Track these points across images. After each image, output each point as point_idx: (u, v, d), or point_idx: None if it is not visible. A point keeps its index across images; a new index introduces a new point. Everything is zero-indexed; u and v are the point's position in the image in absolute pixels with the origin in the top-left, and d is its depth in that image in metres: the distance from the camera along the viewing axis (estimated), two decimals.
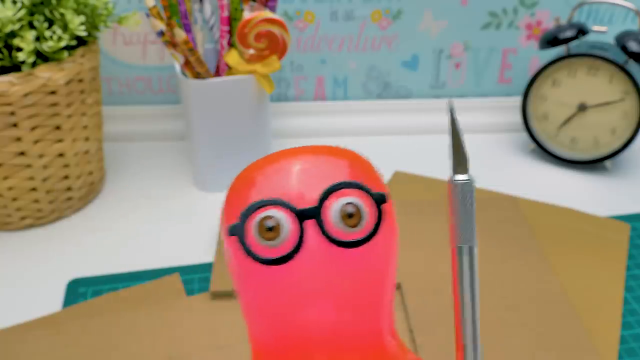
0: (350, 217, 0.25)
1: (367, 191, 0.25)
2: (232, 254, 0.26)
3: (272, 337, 0.26)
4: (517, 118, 0.70)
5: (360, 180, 0.26)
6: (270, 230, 0.24)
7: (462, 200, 0.25)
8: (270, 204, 0.25)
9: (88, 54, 0.53)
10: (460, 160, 0.26)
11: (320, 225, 0.25)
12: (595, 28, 0.62)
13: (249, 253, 0.25)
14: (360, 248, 0.25)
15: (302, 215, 0.25)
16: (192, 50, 0.55)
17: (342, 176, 0.26)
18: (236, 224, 0.25)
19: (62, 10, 0.50)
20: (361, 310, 0.26)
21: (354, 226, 0.25)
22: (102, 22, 0.55)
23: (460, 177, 0.26)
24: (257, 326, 0.27)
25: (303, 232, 0.25)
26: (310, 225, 0.25)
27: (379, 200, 0.25)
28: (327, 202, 0.25)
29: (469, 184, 0.26)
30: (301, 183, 0.25)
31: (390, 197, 0.26)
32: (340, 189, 0.25)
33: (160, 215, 0.58)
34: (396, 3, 0.68)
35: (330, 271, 0.25)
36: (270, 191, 0.25)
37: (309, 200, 0.25)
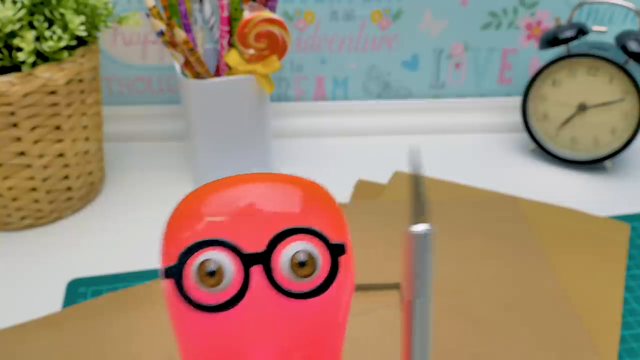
0: (302, 266, 0.22)
1: (325, 240, 0.23)
2: (168, 297, 0.23)
3: None
4: (517, 118, 0.70)
5: (319, 225, 0.23)
6: (211, 275, 0.22)
7: (419, 251, 0.22)
8: (213, 245, 0.22)
9: (88, 54, 0.53)
10: (419, 210, 0.23)
11: (268, 272, 0.22)
12: (595, 28, 0.62)
13: (186, 298, 0.23)
14: (310, 300, 0.23)
15: (248, 260, 0.22)
16: (192, 50, 0.55)
17: (299, 218, 0.23)
18: (173, 266, 0.23)
19: (62, 10, 0.50)
20: (307, 356, 0.24)
21: (306, 276, 0.22)
22: (102, 22, 0.55)
23: (419, 227, 0.23)
24: None
25: (248, 278, 0.22)
26: (256, 270, 0.22)
27: (337, 251, 0.23)
28: (278, 247, 0.22)
29: (427, 235, 0.23)
30: (250, 222, 0.23)
31: (349, 249, 0.24)
32: (295, 233, 0.23)
33: (161, 215, 0.57)
34: (396, 3, 0.68)
35: (274, 322, 0.23)
36: (213, 229, 0.23)
37: (258, 242, 0.22)
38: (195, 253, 0.22)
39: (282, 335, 0.23)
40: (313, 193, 0.24)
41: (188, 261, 0.22)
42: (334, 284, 0.23)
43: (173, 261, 0.23)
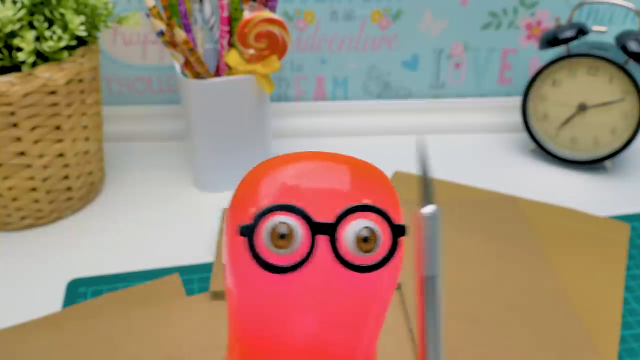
0: (365, 241, 0.24)
1: (389, 220, 0.24)
2: (235, 254, 0.25)
3: (259, 340, 0.25)
4: (517, 118, 0.70)
5: (384, 206, 0.25)
6: (282, 238, 0.23)
7: (429, 231, 0.25)
8: (287, 210, 0.24)
9: (88, 54, 0.53)
10: (428, 193, 0.25)
11: (333, 243, 0.24)
12: (595, 28, 0.62)
13: (256, 257, 0.24)
14: (366, 274, 0.24)
15: (317, 229, 0.24)
16: (192, 50, 0.55)
17: (367, 197, 0.25)
18: (248, 225, 0.24)
19: (62, 10, 0.50)
20: (346, 332, 0.25)
21: (367, 251, 0.24)
22: (102, 22, 0.55)
23: (429, 208, 0.24)
24: (242, 327, 0.26)
25: (314, 246, 0.24)
26: (322, 240, 0.24)
27: (398, 232, 0.25)
28: (345, 221, 0.24)
29: (436, 215, 0.25)
30: (322, 194, 0.24)
31: (407, 232, 0.25)
32: (362, 210, 0.24)
33: (160, 215, 0.58)
34: (396, 3, 0.68)
35: (329, 289, 0.24)
36: (288, 195, 0.24)
37: (327, 214, 0.24)
38: (269, 215, 0.24)
39: (333, 303, 0.24)
40: (379, 176, 0.26)
41: (262, 222, 0.24)
42: (391, 262, 0.25)
43: (247, 220, 0.24)
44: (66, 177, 0.55)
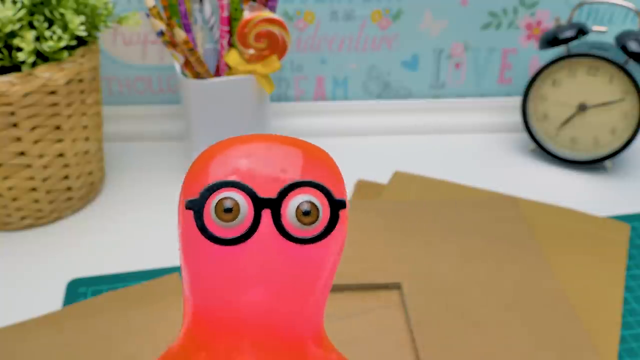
0: (306, 215, 0.25)
1: (328, 194, 0.26)
2: (185, 228, 0.26)
3: (208, 313, 0.27)
4: (517, 118, 0.70)
5: (325, 182, 0.26)
6: (227, 212, 0.25)
7: None
8: (232, 186, 0.25)
9: (88, 54, 0.53)
10: None
11: (276, 217, 0.25)
12: (595, 28, 0.62)
13: (202, 230, 0.25)
14: (308, 246, 0.26)
15: (260, 203, 0.25)
16: (192, 50, 0.55)
17: (309, 174, 0.26)
18: (195, 199, 0.26)
19: (62, 10, 0.50)
20: (293, 302, 0.27)
21: (308, 224, 0.25)
22: (102, 22, 0.55)
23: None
24: (196, 300, 0.27)
25: (259, 219, 0.25)
26: (266, 214, 0.25)
27: (338, 205, 0.26)
28: (287, 196, 0.25)
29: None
30: (267, 170, 0.26)
31: (347, 207, 0.27)
32: (303, 186, 0.26)
33: (160, 215, 0.58)
34: (396, 3, 0.68)
35: (275, 261, 0.26)
36: (234, 172, 0.26)
37: (271, 189, 0.26)
38: (216, 191, 0.25)
39: (279, 274, 0.26)
40: (319, 154, 0.27)
41: (209, 197, 0.26)
42: (331, 235, 0.26)
43: (195, 195, 0.26)
44: (66, 177, 0.55)
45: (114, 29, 0.67)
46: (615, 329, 0.44)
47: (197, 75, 0.57)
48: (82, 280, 0.49)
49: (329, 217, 0.26)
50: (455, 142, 0.70)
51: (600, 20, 0.69)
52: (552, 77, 0.63)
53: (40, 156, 0.52)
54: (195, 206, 0.26)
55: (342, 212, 0.26)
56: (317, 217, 0.25)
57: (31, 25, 0.51)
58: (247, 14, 0.55)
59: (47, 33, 0.49)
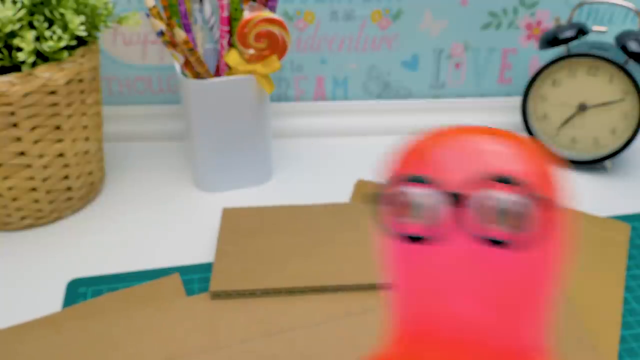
0: (512, 217, 0.23)
1: (536, 194, 0.23)
2: (381, 224, 0.24)
3: (412, 321, 0.25)
4: (517, 118, 0.70)
5: (533, 180, 0.23)
6: (421, 208, 0.23)
7: None
8: (428, 182, 0.23)
9: (88, 54, 0.53)
10: None
11: (475, 216, 0.23)
12: (595, 28, 0.62)
13: (395, 227, 0.24)
14: (515, 252, 0.23)
15: (458, 201, 0.23)
16: (192, 50, 0.55)
17: (517, 170, 0.23)
18: (388, 194, 0.24)
19: (62, 10, 0.50)
20: (507, 315, 0.24)
21: (513, 227, 0.23)
22: (102, 22, 0.55)
23: None
24: (400, 307, 0.26)
25: (457, 219, 0.23)
26: (467, 213, 0.23)
27: (546, 205, 0.23)
28: (490, 193, 0.23)
29: None
30: (466, 165, 0.23)
31: (561, 209, 0.24)
32: (512, 183, 0.23)
33: (160, 215, 0.58)
34: (396, 3, 0.68)
35: (476, 266, 0.23)
36: (429, 168, 0.24)
37: (471, 187, 0.23)
38: (410, 186, 0.23)
39: (484, 282, 0.23)
40: (527, 147, 0.24)
41: (398, 192, 0.24)
42: (540, 239, 0.23)
43: (388, 190, 0.24)
44: (66, 177, 0.55)
45: (114, 29, 0.67)
46: (615, 329, 0.44)
47: (197, 75, 0.57)
48: (82, 280, 0.49)
49: (539, 220, 0.23)
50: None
51: (600, 20, 0.69)
52: (552, 77, 0.63)
53: (40, 156, 0.52)
54: (387, 201, 0.24)
55: (553, 214, 0.23)
56: (526, 220, 0.23)
57: (31, 25, 0.51)
58: (247, 14, 0.55)
59: (47, 33, 0.49)
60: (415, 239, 0.24)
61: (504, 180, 0.23)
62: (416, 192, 0.23)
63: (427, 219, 0.23)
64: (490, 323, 0.24)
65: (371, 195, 0.24)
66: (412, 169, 0.24)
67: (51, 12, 0.51)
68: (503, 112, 0.72)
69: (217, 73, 0.60)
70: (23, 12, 0.48)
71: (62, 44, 0.49)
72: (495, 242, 0.23)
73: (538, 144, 0.25)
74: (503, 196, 0.23)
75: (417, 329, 0.25)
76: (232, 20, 0.59)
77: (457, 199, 0.23)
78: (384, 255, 0.25)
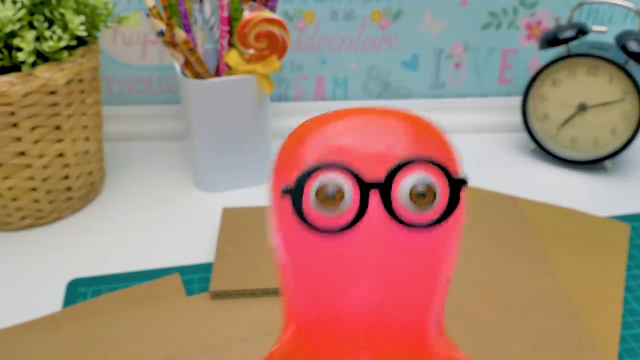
0: (421, 196, 0.22)
1: (446, 172, 0.22)
2: (281, 219, 0.23)
3: (316, 311, 0.24)
4: (517, 118, 0.70)
5: (439, 156, 0.23)
6: (330, 198, 0.22)
7: None
8: (334, 168, 0.22)
9: (88, 54, 0.53)
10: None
11: (387, 200, 0.22)
12: (595, 28, 0.62)
13: (303, 220, 0.22)
14: (424, 232, 0.22)
15: (368, 187, 0.22)
16: (192, 50, 0.55)
17: (422, 149, 0.23)
18: (292, 187, 0.22)
19: (62, 10, 0.50)
20: (411, 296, 0.23)
21: (424, 207, 0.22)
22: (102, 22, 0.55)
23: None
24: (300, 299, 0.24)
25: (366, 205, 0.22)
26: (374, 198, 0.22)
27: (457, 184, 0.22)
28: (398, 176, 0.22)
29: None
30: (372, 148, 0.23)
31: (464, 186, 0.23)
32: (417, 162, 0.22)
33: (160, 215, 0.58)
34: (396, 3, 0.68)
35: (387, 250, 0.23)
36: (334, 153, 0.23)
37: (378, 169, 0.22)
38: (316, 175, 0.22)
39: (393, 264, 0.23)
40: (433, 129, 0.24)
41: (308, 183, 0.22)
42: (451, 218, 0.23)
43: (291, 182, 0.22)
44: (66, 177, 0.55)
45: (114, 29, 0.67)
46: (615, 329, 0.44)
47: (197, 75, 0.57)
48: (82, 280, 0.49)
49: (447, 197, 0.22)
50: (455, 142, 0.70)
51: (600, 20, 0.69)
52: (552, 77, 0.63)
53: (40, 156, 0.52)
54: (293, 193, 0.22)
55: (461, 193, 0.23)
56: (434, 198, 0.22)
57: (31, 25, 0.51)
58: (247, 14, 0.55)
59: (47, 33, 0.49)
60: (332, 231, 0.22)
61: (415, 162, 0.22)
62: (329, 182, 0.22)
63: (342, 208, 0.22)
64: (396, 303, 0.23)
65: (285, 190, 0.23)
66: (324, 158, 0.23)
67: (51, 12, 0.51)
68: (503, 112, 0.72)
69: (217, 73, 0.60)
70: (23, 12, 0.48)
71: (62, 44, 0.49)
72: (412, 225, 0.22)
73: (431, 122, 0.24)
74: (415, 178, 0.22)
75: (321, 317, 0.24)
76: (232, 20, 0.59)
77: (369, 184, 0.22)
78: (285, 242, 0.24)
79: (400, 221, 0.22)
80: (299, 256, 0.23)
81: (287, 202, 0.23)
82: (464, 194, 0.23)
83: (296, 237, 0.23)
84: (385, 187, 0.22)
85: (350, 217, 0.22)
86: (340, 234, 0.22)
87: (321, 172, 0.22)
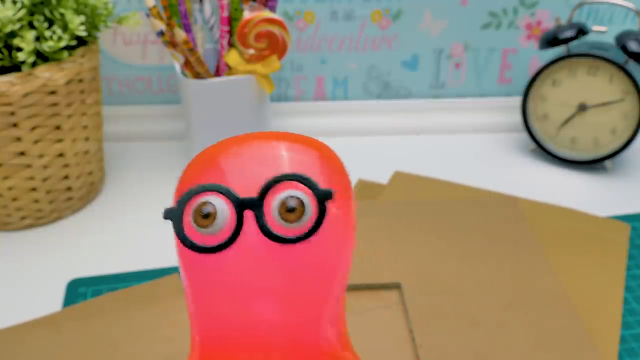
0: (291, 211, 0.23)
1: (312, 186, 0.23)
2: (175, 240, 0.25)
3: (214, 330, 0.25)
4: (517, 118, 0.70)
5: (308, 173, 0.24)
6: (205, 217, 0.23)
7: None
8: (210, 190, 0.24)
9: (88, 54, 0.53)
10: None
11: (259, 217, 0.23)
12: (595, 28, 0.62)
13: (182, 239, 0.24)
14: (298, 245, 0.23)
15: (241, 205, 0.23)
16: (192, 50, 0.55)
17: (290, 167, 0.24)
18: (172, 208, 0.25)
19: (62, 10, 0.50)
20: (300, 311, 0.24)
21: (294, 222, 0.23)
22: (102, 22, 0.55)
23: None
24: (199, 317, 0.25)
25: (241, 223, 0.23)
26: (249, 216, 0.24)
27: (323, 196, 0.23)
28: (269, 194, 0.23)
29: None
30: (245, 171, 0.24)
31: (342, 196, 0.24)
32: (285, 180, 0.23)
33: (160, 215, 0.58)
34: (396, 3, 0.68)
35: (266, 266, 0.23)
36: (213, 177, 0.24)
37: (252, 190, 0.24)
38: (194, 197, 0.24)
39: (276, 281, 0.24)
40: (307, 144, 0.25)
41: (187, 204, 0.24)
42: (322, 229, 0.23)
43: (174, 205, 0.25)
44: (66, 177, 0.55)
45: (114, 29, 0.67)
46: (615, 329, 0.44)
47: (197, 75, 0.57)
48: (82, 280, 0.49)
49: (317, 211, 0.23)
50: (455, 142, 0.70)
51: (600, 20, 0.69)
52: (552, 77, 0.63)
53: (40, 156, 0.52)
54: (172, 215, 0.24)
55: (331, 204, 0.24)
56: (303, 212, 0.23)
57: (31, 25, 0.51)
58: (247, 14, 0.55)
59: (47, 33, 0.49)
60: (208, 249, 0.24)
61: (285, 179, 0.23)
62: (204, 203, 0.23)
63: (218, 226, 0.23)
64: (286, 321, 0.24)
65: (166, 209, 0.25)
66: (200, 181, 0.24)
67: (51, 12, 0.51)
68: (503, 112, 0.72)
69: (217, 73, 0.60)
70: (23, 12, 0.48)
71: (62, 44, 0.49)
72: (283, 239, 0.23)
73: (314, 142, 0.26)
74: (284, 195, 0.23)
75: (217, 336, 0.25)
76: (232, 20, 0.59)
77: (242, 203, 0.23)
78: (181, 264, 0.25)
79: (273, 236, 0.23)
80: (190, 276, 0.25)
81: (171, 223, 0.25)
82: (332, 208, 0.24)
83: (185, 257, 0.24)
84: (257, 205, 0.23)
85: (227, 235, 0.23)
86: (220, 253, 0.24)
87: (200, 195, 0.24)
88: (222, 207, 0.23)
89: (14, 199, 0.53)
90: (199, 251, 0.24)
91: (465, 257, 0.50)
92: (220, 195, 0.24)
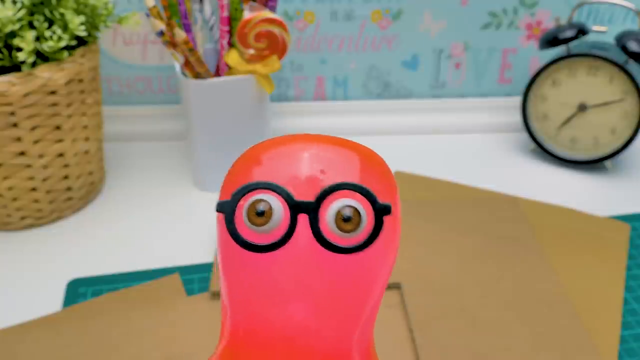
0: (347, 221, 0.23)
1: (372, 199, 0.23)
2: (219, 233, 0.24)
3: (245, 328, 0.25)
4: (517, 118, 0.70)
5: (368, 184, 0.24)
6: (260, 215, 0.23)
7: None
8: (266, 188, 0.23)
9: (88, 54, 0.53)
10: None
11: (314, 222, 0.23)
12: (595, 28, 0.62)
13: (233, 234, 0.24)
14: (349, 256, 0.23)
15: (297, 208, 0.23)
16: (192, 50, 0.55)
17: (351, 176, 0.24)
18: (225, 201, 0.24)
19: (62, 10, 0.50)
20: (336, 318, 0.24)
21: (349, 232, 0.23)
22: (102, 22, 0.55)
23: None
24: (232, 313, 0.25)
25: (295, 225, 0.23)
26: (303, 219, 0.23)
27: (382, 211, 0.23)
28: (326, 200, 0.23)
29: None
30: (304, 173, 0.24)
31: (396, 211, 0.24)
32: (344, 189, 0.23)
33: (160, 215, 0.58)
34: (396, 3, 0.68)
35: (313, 272, 0.23)
36: (269, 174, 0.24)
37: (308, 193, 0.23)
38: (249, 193, 0.24)
39: (319, 287, 0.23)
40: (367, 155, 0.25)
41: (241, 199, 0.24)
42: (376, 243, 0.23)
43: (227, 198, 0.24)
44: (66, 177, 0.55)
45: (114, 29, 0.67)
46: (615, 329, 0.44)
47: (197, 75, 0.57)
48: (82, 280, 0.49)
49: (373, 224, 0.23)
50: (455, 142, 0.70)
51: (600, 20, 0.69)
52: (552, 77, 0.63)
53: (40, 156, 0.52)
54: (225, 209, 0.24)
55: (387, 219, 0.24)
56: (359, 224, 0.23)
57: (31, 25, 0.51)
58: (247, 14, 0.55)
59: (47, 33, 0.49)
60: (259, 248, 0.23)
61: (342, 188, 0.23)
62: (260, 200, 0.23)
63: (272, 226, 0.23)
64: (320, 326, 0.24)
65: (220, 201, 0.24)
66: (256, 178, 0.24)
67: (51, 12, 0.51)
68: (503, 112, 0.72)
69: (217, 73, 0.60)
70: (23, 12, 0.48)
71: (62, 44, 0.49)
72: (335, 248, 0.23)
73: (371, 152, 0.25)
74: (341, 203, 0.23)
75: (248, 330, 0.24)
76: (232, 20, 0.59)
77: (298, 206, 0.23)
78: (222, 257, 0.25)
79: (326, 244, 0.23)
80: (232, 272, 0.24)
81: (222, 217, 0.24)
82: (391, 221, 0.24)
83: (230, 253, 0.24)
84: (314, 210, 0.23)
85: (279, 234, 0.23)
86: (268, 253, 0.23)
87: (255, 192, 0.23)
88: (278, 207, 0.23)
89: (14, 199, 0.53)
90: (249, 249, 0.23)
91: (465, 257, 0.50)
92: (276, 194, 0.23)
